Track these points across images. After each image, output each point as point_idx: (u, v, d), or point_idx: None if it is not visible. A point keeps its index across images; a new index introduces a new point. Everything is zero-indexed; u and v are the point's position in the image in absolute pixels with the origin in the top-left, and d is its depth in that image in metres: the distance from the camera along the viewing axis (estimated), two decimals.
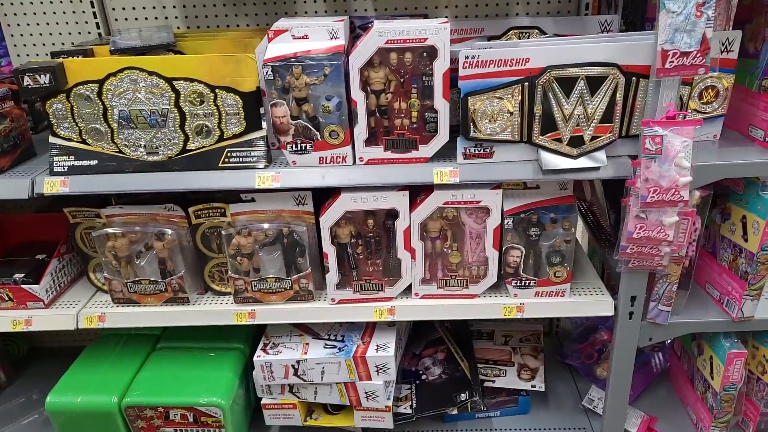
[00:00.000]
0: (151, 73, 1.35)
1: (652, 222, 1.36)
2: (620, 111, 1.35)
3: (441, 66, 1.32)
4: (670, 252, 1.41)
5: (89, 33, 1.79)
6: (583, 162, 1.39)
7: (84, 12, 1.76)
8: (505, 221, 1.48)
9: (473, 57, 1.29)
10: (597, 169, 1.39)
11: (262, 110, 1.42)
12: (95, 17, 1.75)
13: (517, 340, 2.03)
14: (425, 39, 1.30)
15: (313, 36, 1.38)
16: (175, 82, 1.36)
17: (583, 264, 1.71)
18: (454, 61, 1.33)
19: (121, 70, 1.34)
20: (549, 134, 1.36)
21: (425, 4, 1.75)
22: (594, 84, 1.32)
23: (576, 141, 1.37)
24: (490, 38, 1.73)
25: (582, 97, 1.32)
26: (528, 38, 1.71)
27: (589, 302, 1.56)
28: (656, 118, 1.31)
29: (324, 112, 1.37)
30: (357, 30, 1.75)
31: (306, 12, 1.77)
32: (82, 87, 1.36)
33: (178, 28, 1.80)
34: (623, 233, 1.41)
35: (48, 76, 1.33)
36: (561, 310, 1.57)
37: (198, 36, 1.67)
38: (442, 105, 1.36)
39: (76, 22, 1.78)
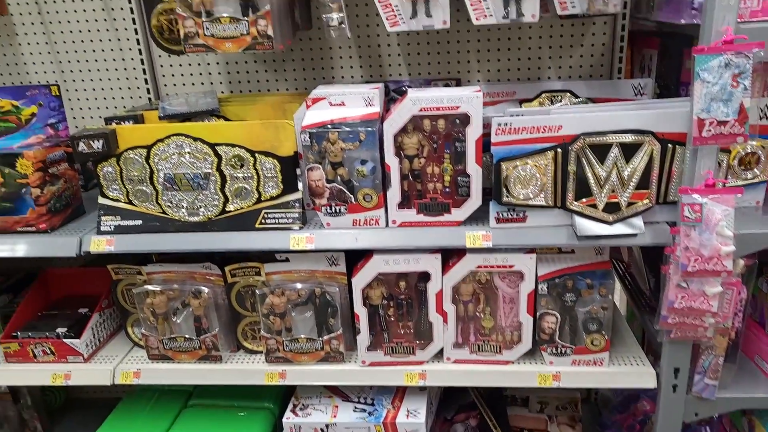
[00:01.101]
0: (196, 139, 1.42)
1: (694, 292, 1.32)
2: (657, 177, 1.34)
3: (473, 133, 1.34)
4: (715, 323, 1.36)
5: (140, 97, 1.91)
6: (619, 228, 1.36)
7: (136, 78, 1.88)
8: (540, 286, 1.46)
9: (506, 124, 1.31)
10: (634, 236, 1.36)
11: (298, 171, 1.47)
12: (146, 83, 1.87)
13: (553, 408, 1.95)
14: (458, 107, 1.33)
15: (349, 103, 1.43)
16: (218, 148, 1.42)
17: (622, 331, 1.65)
18: (486, 125, 1.36)
19: (169, 136, 1.42)
20: (584, 200, 1.35)
21: (458, 68, 1.80)
22: (629, 150, 1.31)
23: (612, 207, 1.35)
24: (522, 101, 1.76)
25: (617, 163, 1.32)
26: (560, 101, 1.73)
27: (630, 373, 1.50)
28: (694, 186, 1.29)
29: (358, 176, 1.40)
30: (392, 93, 1.81)
31: (342, 77, 1.84)
32: (131, 152, 1.43)
33: (222, 92, 1.89)
34: (664, 302, 1.36)
35: (101, 141, 1.41)
36: (599, 380, 1.51)
37: (240, 100, 1.75)
38: (474, 170, 1.37)
39: (129, 87, 1.90)
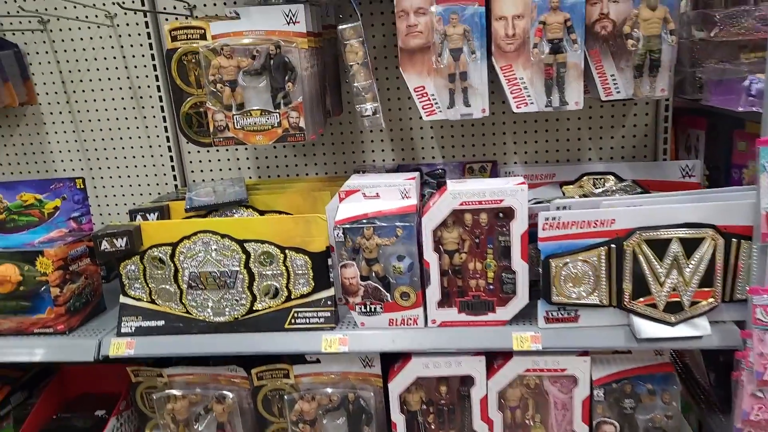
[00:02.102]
0: (223, 236, 1.35)
1: None
2: (721, 274, 1.22)
3: (519, 227, 1.25)
4: None
5: (166, 184, 1.87)
6: (682, 330, 1.24)
7: (163, 165, 1.85)
8: (595, 392, 1.33)
9: (554, 218, 1.22)
10: (699, 338, 1.24)
11: (329, 262, 1.39)
12: (173, 170, 1.83)
13: None
14: (501, 200, 1.25)
15: (384, 195, 1.36)
16: (246, 244, 1.35)
17: None
18: (531, 215, 1.27)
19: (195, 233, 1.35)
20: (642, 299, 1.24)
21: (494, 150, 1.73)
22: (689, 246, 1.21)
23: (673, 307, 1.24)
24: (562, 184, 1.68)
25: (677, 260, 1.21)
26: (603, 184, 1.65)
27: None
28: (765, 285, 1.17)
29: (395, 273, 1.32)
30: (425, 177, 1.74)
31: (374, 161, 1.78)
32: (156, 249, 1.37)
33: (250, 177, 1.85)
34: (737, 413, 1.22)
35: (125, 239, 1.35)
36: None
37: (269, 187, 1.70)
38: (520, 267, 1.28)
39: (155, 174, 1.87)
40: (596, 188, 1.62)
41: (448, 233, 1.30)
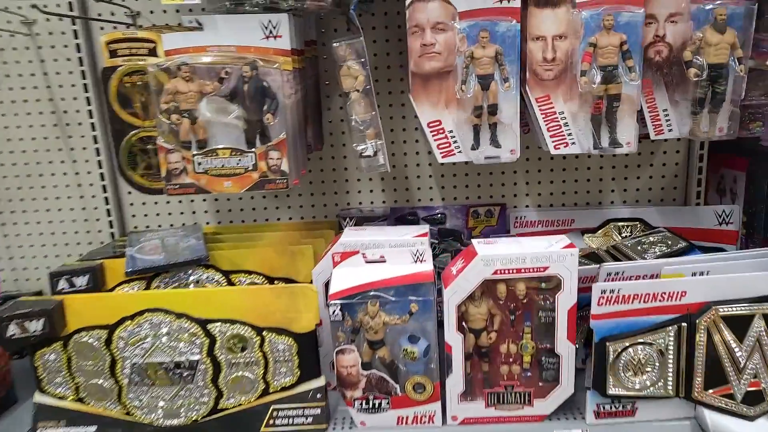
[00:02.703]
0: (179, 315, 1.02)
1: None
2: None
3: (566, 301, 0.99)
4: None
5: (100, 231, 1.51)
6: (763, 426, 1.02)
7: (96, 208, 1.48)
8: None
9: (612, 291, 0.97)
10: None
11: (319, 342, 1.08)
12: (109, 215, 1.47)
13: None
14: (546, 268, 0.99)
15: (392, 258, 1.07)
16: (210, 325, 1.02)
17: None
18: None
19: (141, 312, 1.02)
20: (715, 389, 1.00)
21: (502, 192, 1.48)
22: None
23: (753, 397, 1.01)
24: (584, 232, 1.44)
25: (760, 341, 0.99)
26: (630, 232, 1.43)
27: None
28: None
29: (407, 359, 1.03)
30: (421, 222, 1.47)
31: (360, 203, 1.49)
32: (85, 334, 1.02)
33: (208, 223, 1.52)
34: None
35: (42, 321, 1.00)
36: None
37: (233, 237, 1.37)
38: (566, 349, 1.02)
39: (86, 220, 1.50)
40: (625, 237, 1.39)
41: (475, 308, 1.02)
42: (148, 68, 1.00)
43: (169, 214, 1.50)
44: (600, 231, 1.43)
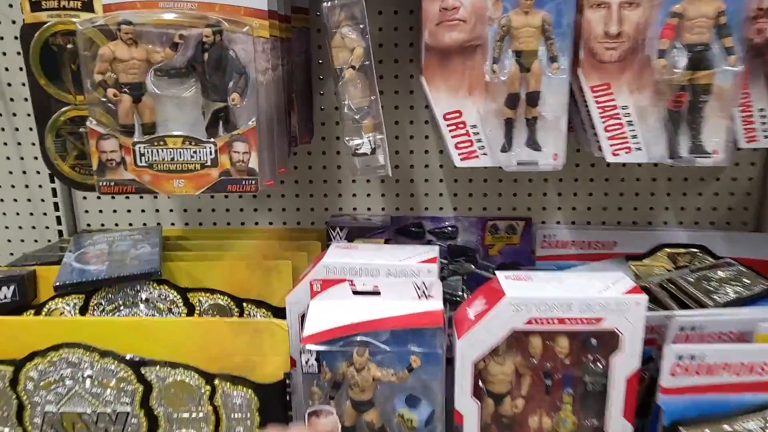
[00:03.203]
0: (104, 354, 0.77)
1: None
2: None
3: (625, 366, 0.73)
4: None
5: (47, 228, 1.27)
6: None
7: (43, 200, 1.23)
8: None
9: (692, 358, 0.72)
10: None
11: (288, 397, 0.84)
12: (56, 209, 1.23)
13: None
14: (599, 320, 0.73)
15: (388, 291, 0.82)
16: (145, 369, 0.78)
17: None
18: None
19: (56, 347, 0.78)
20: None
21: (528, 203, 1.22)
22: None
23: None
24: (629, 257, 1.18)
25: None
26: (689, 262, 1.16)
27: None
28: None
29: (403, 427, 0.78)
30: (428, 235, 1.22)
31: (355, 209, 1.24)
32: None
33: (173, 224, 1.27)
34: None
35: None
36: None
37: (198, 245, 1.13)
38: (620, 429, 0.77)
39: (31, 214, 1.25)
40: (682, 268, 1.13)
41: (498, 365, 0.77)
42: (77, 26, 0.75)
43: (128, 211, 1.25)
44: (649, 258, 1.17)
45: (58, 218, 1.23)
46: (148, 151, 0.78)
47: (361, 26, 0.78)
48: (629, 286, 0.74)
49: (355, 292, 0.81)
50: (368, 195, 1.23)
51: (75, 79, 0.82)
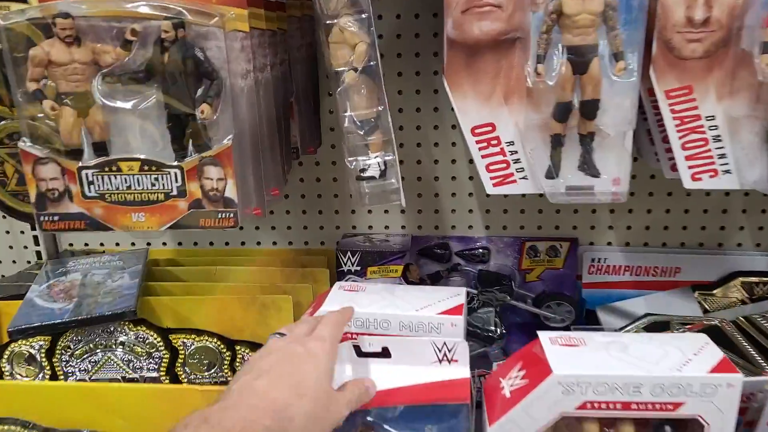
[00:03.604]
0: None
1: None
2: None
3: None
4: None
5: (26, 248, 1.14)
6: None
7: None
8: None
9: None
10: None
11: None
12: (33, 228, 1.10)
13: None
14: (678, 405, 0.55)
15: (400, 353, 0.65)
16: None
17: None
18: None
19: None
20: None
21: (573, 221, 1.03)
22: None
23: None
24: (696, 286, 0.99)
25: None
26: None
27: None
28: None
29: None
30: (455, 258, 1.04)
31: (370, 227, 1.06)
32: None
33: (165, 244, 1.12)
34: None
35: None
36: None
37: (187, 271, 0.98)
38: None
39: (7, 232, 1.13)
40: (759, 299, 0.93)
41: None
42: (0, 21, 0.60)
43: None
44: (720, 288, 0.97)
45: (35, 238, 1.11)
46: (97, 179, 0.62)
47: (364, 16, 0.60)
48: (717, 359, 0.56)
49: (360, 354, 0.65)
50: (386, 212, 1.06)
51: (6, 86, 0.67)
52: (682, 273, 0.99)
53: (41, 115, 0.61)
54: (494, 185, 0.65)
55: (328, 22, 0.62)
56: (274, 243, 1.11)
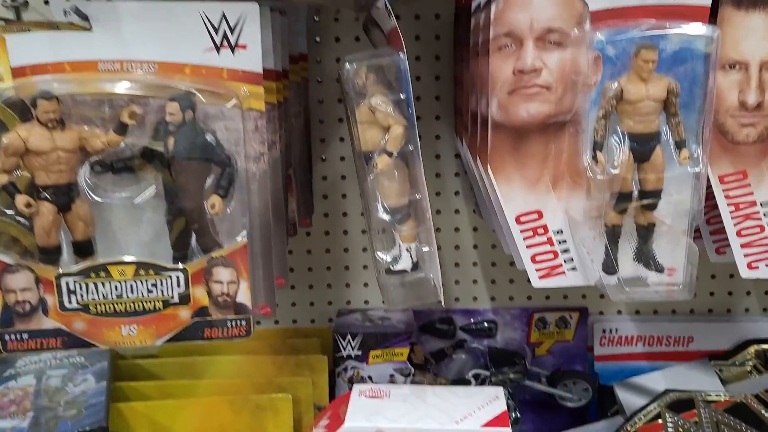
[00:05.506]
0: None
1: None
2: None
3: None
4: None
5: None
6: None
7: None
8: None
9: None
10: None
11: None
12: None
13: None
14: None
15: None
16: None
17: None
18: None
19: None
20: None
21: (580, 290, 0.99)
22: None
23: None
24: (711, 356, 0.96)
25: None
26: None
27: None
28: None
29: None
30: (459, 332, 0.96)
31: (367, 301, 0.98)
32: None
33: None
34: None
35: None
36: None
37: (164, 359, 0.86)
38: None
39: None
40: None
41: None
42: None
43: None
44: (735, 357, 0.95)
45: None
46: (81, 287, 0.52)
47: (401, 96, 0.54)
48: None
49: None
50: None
51: None
52: (695, 342, 0.96)
53: (10, 212, 0.51)
54: (540, 277, 0.59)
55: (356, 100, 0.55)
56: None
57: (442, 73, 0.89)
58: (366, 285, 0.98)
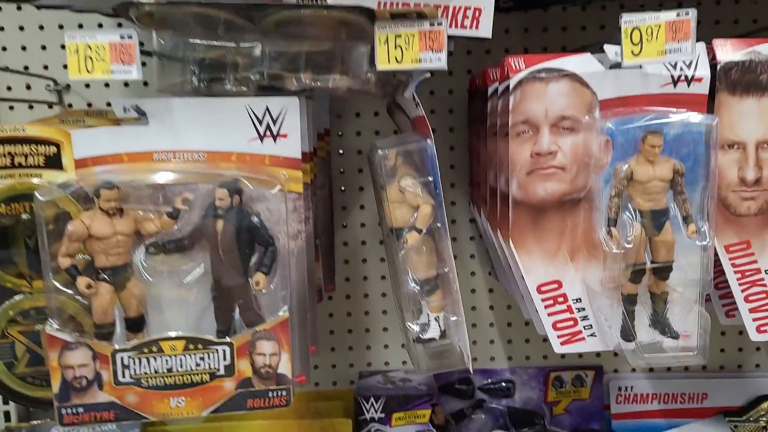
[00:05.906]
0: None
1: None
2: None
3: None
4: None
5: None
6: None
7: None
8: None
9: None
10: None
11: None
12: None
13: None
14: None
15: None
16: None
17: None
18: None
19: None
20: None
21: (597, 351, 1.02)
22: None
23: None
24: (725, 413, 0.97)
25: None
26: None
27: None
28: None
29: None
30: (477, 392, 0.98)
31: (387, 363, 1.00)
32: None
33: None
34: None
35: None
36: None
37: (184, 425, 0.88)
38: None
39: None
40: None
41: None
42: (36, 195, 0.54)
43: None
44: (749, 414, 0.97)
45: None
46: (134, 362, 0.55)
47: (429, 178, 0.59)
48: None
49: None
50: (403, 345, 1.01)
51: (31, 259, 0.59)
52: (709, 399, 0.98)
53: (70, 291, 0.55)
54: (562, 343, 0.62)
55: (386, 181, 0.60)
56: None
57: (456, 143, 0.96)
58: (386, 347, 1.01)
